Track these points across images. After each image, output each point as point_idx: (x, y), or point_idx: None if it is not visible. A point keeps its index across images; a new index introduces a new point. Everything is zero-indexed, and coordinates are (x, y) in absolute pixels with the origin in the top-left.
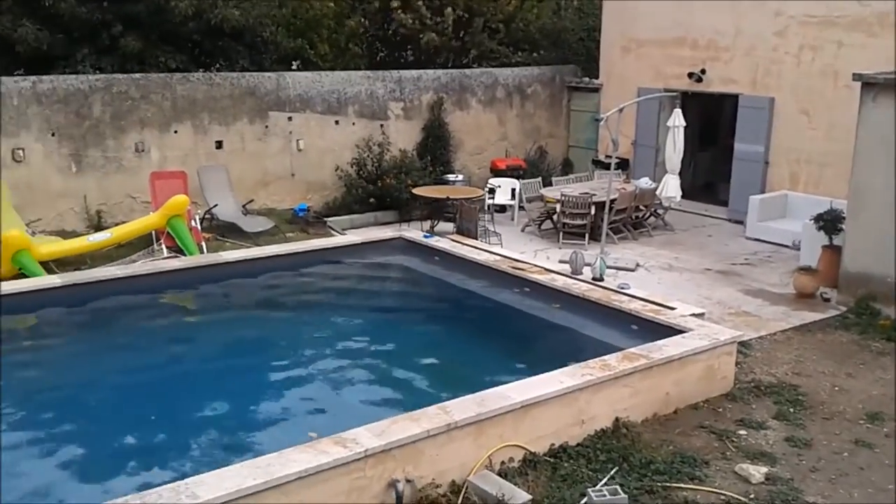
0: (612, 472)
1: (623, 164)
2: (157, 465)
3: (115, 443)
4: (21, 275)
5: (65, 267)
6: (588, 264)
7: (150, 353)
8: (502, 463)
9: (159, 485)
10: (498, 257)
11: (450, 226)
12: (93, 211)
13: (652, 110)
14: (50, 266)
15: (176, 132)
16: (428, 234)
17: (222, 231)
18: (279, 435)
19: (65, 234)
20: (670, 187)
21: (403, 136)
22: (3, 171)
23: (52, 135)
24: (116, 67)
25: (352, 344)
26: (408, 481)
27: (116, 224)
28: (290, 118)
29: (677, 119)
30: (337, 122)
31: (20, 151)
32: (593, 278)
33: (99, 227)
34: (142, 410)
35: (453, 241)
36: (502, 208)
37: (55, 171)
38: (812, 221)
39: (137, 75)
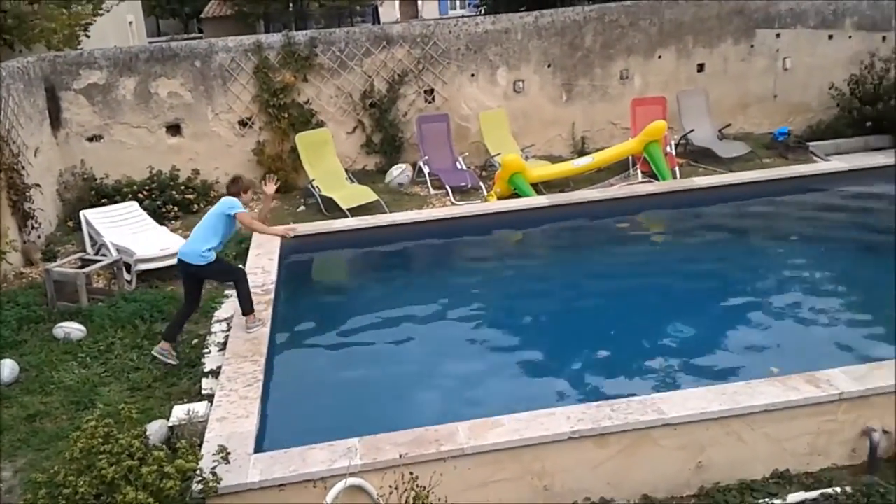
0: None
1: None
2: (622, 378)
3: (582, 352)
4: (515, 195)
5: (551, 188)
6: None
7: (617, 272)
8: None
9: (625, 396)
10: None
11: None
12: (577, 137)
13: None
14: (539, 188)
15: (660, 57)
16: None
17: (696, 156)
18: (740, 365)
19: (552, 159)
20: None
21: None
22: (504, 101)
23: (548, 66)
24: None
25: (827, 280)
26: (885, 432)
27: (598, 149)
28: (777, 35)
29: None
30: (830, 37)
31: (520, 83)
32: None
33: (582, 153)
34: (607, 325)
35: None
36: None
37: (548, 101)
38: None
39: (628, 2)
